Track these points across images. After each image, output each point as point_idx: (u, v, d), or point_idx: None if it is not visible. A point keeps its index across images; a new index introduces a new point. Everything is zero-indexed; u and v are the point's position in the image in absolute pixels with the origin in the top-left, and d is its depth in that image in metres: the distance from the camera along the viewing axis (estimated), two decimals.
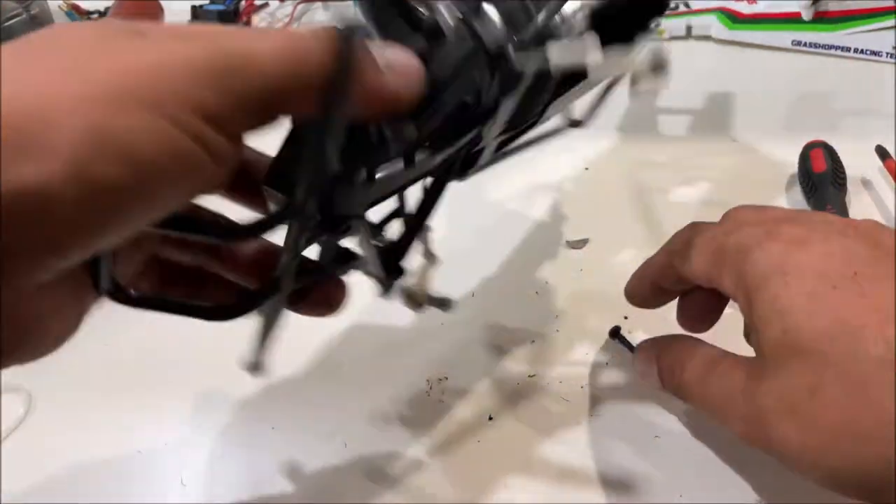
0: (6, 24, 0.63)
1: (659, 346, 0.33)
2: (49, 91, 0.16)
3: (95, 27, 0.18)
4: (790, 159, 0.51)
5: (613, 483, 0.32)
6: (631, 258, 0.44)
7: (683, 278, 0.31)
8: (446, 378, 0.37)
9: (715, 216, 0.31)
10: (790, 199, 0.49)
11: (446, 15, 0.23)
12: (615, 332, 0.38)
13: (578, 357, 0.38)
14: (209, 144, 0.18)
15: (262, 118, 0.19)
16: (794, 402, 0.25)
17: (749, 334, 0.28)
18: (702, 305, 0.34)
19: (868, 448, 0.24)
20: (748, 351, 0.28)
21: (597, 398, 0.36)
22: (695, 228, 0.31)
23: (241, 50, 0.18)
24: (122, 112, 0.16)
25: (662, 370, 0.32)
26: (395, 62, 0.21)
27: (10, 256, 0.16)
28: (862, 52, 0.66)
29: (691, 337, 0.32)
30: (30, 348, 0.21)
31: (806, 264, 0.26)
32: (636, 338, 0.39)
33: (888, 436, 0.23)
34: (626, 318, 0.40)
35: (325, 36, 0.20)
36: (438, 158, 0.25)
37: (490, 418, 0.35)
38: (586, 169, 0.52)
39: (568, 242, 0.46)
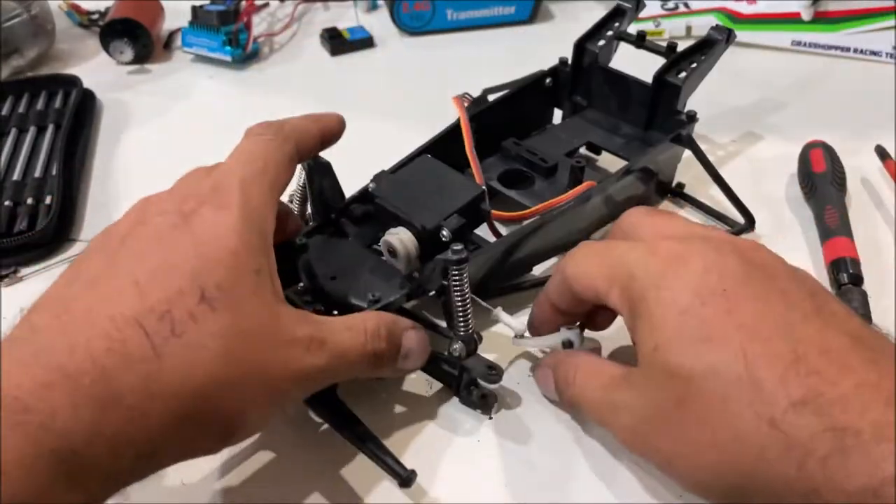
0: (6, 24, 0.63)
1: (554, 361, 0.34)
2: None
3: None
4: (790, 159, 0.51)
5: (614, 483, 0.32)
6: None
7: (577, 297, 0.32)
8: None
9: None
10: (790, 198, 0.49)
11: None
12: None
13: None
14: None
15: None
16: (665, 414, 0.26)
17: (634, 346, 0.30)
18: (602, 323, 0.36)
19: (728, 459, 0.25)
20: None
21: None
22: (587, 246, 0.33)
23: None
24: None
25: (558, 383, 0.33)
26: (411, 353, 0.31)
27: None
28: (862, 52, 0.66)
29: (583, 352, 0.34)
30: None
31: (680, 281, 0.27)
32: None
33: (745, 448, 0.24)
34: None
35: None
36: None
37: (490, 417, 0.35)
38: None
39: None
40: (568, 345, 0.35)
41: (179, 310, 0.23)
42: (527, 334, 0.37)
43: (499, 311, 0.37)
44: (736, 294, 0.26)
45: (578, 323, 0.36)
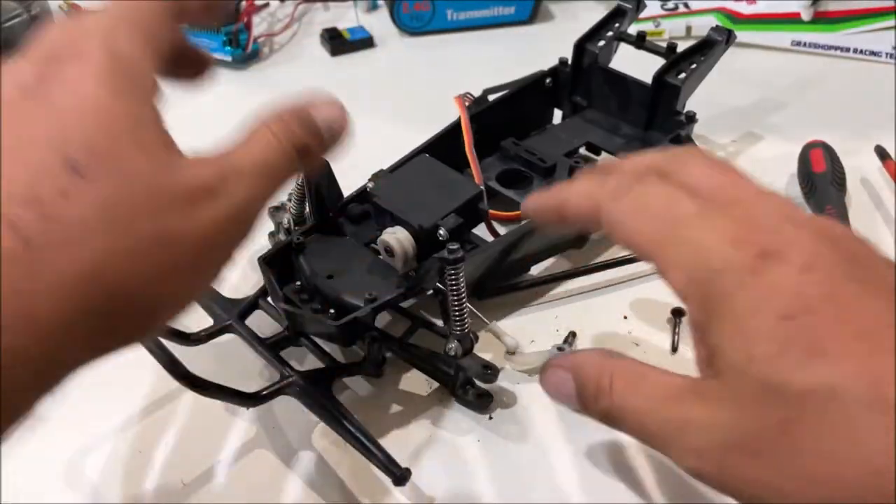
0: (6, 24, 0.63)
1: (574, 362, 0.27)
2: None
3: None
4: (790, 159, 0.51)
5: (614, 483, 0.32)
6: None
7: (601, 229, 0.27)
8: None
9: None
10: (790, 198, 0.49)
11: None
12: (678, 312, 0.39)
13: None
14: None
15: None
16: (763, 439, 0.22)
17: (699, 347, 0.25)
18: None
19: (859, 497, 0.21)
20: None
21: None
22: (640, 193, 0.26)
23: None
24: None
25: (584, 387, 0.26)
26: (331, 122, 0.26)
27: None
28: (862, 52, 0.66)
29: (614, 351, 0.27)
30: None
31: (778, 281, 0.23)
32: (638, 336, 0.39)
33: (884, 484, 0.20)
34: (625, 317, 0.40)
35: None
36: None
37: (490, 418, 0.35)
38: None
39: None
40: None
41: (47, 189, 0.20)
42: (519, 351, 0.37)
43: (494, 325, 0.37)
44: (846, 296, 0.22)
45: (571, 334, 0.37)
